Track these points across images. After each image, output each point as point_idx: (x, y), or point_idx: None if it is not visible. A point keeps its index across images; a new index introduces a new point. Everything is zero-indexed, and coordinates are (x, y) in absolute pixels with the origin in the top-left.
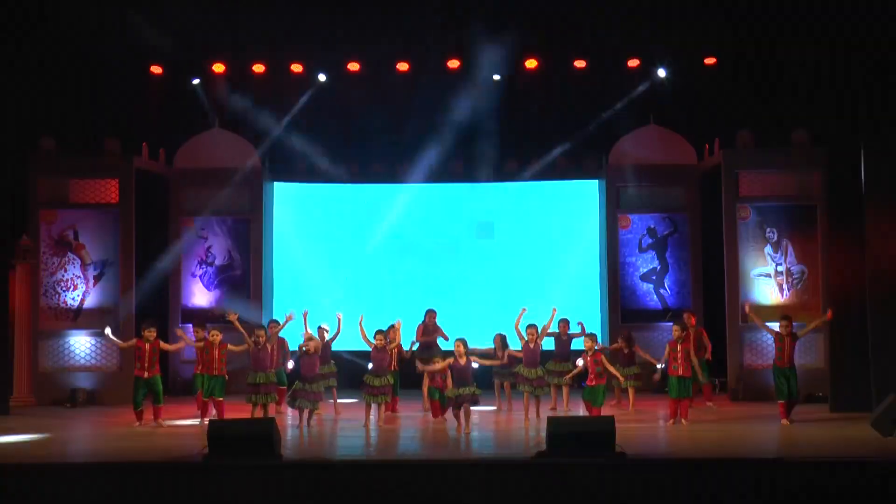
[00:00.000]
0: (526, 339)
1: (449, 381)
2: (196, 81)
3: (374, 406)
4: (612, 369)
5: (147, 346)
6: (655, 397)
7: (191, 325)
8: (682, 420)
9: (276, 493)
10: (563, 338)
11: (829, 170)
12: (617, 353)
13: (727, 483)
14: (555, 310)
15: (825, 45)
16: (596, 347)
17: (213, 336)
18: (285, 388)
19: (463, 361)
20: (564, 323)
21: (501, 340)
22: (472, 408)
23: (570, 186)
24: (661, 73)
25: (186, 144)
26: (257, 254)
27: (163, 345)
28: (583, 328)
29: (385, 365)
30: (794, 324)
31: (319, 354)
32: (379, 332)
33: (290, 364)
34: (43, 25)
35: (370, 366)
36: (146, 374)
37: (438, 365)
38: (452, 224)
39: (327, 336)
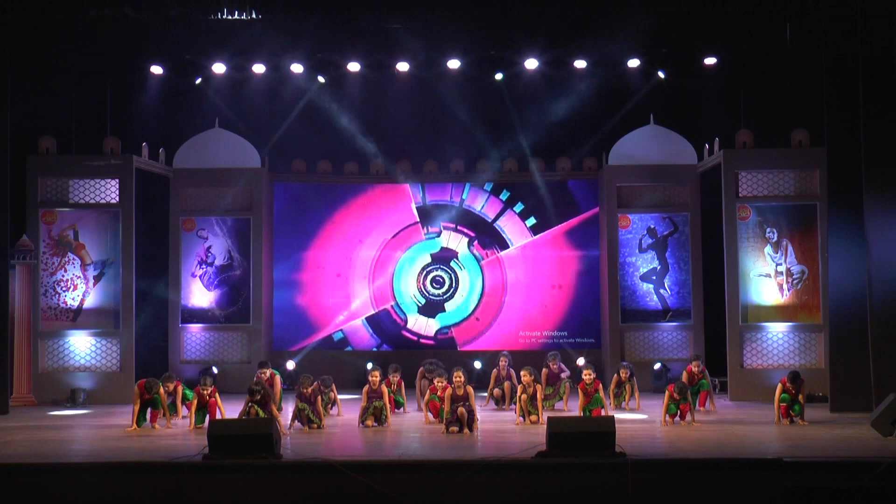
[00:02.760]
0: (522, 382)
1: (446, 404)
2: (197, 81)
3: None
4: (604, 400)
5: (148, 396)
6: (656, 397)
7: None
8: (681, 421)
9: (276, 493)
10: (553, 369)
11: (829, 170)
12: (616, 382)
13: (727, 483)
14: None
15: (825, 45)
16: (595, 377)
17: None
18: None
19: (461, 392)
20: (553, 358)
21: (507, 362)
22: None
23: (569, 186)
24: (662, 73)
25: (186, 144)
26: (257, 254)
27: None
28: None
29: (379, 393)
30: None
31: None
32: (374, 371)
33: (291, 364)
34: (43, 25)
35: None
36: (147, 396)
37: (439, 383)
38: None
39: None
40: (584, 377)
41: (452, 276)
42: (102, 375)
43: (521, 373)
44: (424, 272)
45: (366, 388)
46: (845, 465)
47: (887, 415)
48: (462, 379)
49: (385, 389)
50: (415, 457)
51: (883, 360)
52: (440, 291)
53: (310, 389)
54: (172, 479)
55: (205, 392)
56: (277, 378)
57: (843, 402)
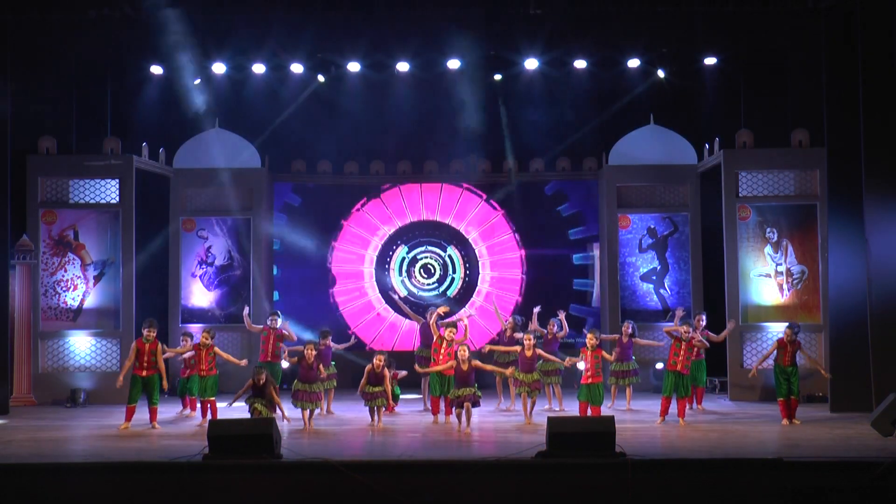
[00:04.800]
0: (523, 345)
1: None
2: (196, 81)
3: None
4: (609, 357)
5: (146, 346)
6: (654, 397)
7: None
8: (681, 420)
9: (276, 493)
10: (548, 337)
11: (829, 170)
12: (614, 343)
13: (727, 483)
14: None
15: (825, 45)
16: (598, 344)
17: (203, 338)
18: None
19: (465, 367)
20: (550, 324)
21: (513, 324)
22: (472, 408)
23: (570, 186)
24: (661, 73)
25: (186, 144)
26: (257, 254)
27: (166, 351)
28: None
29: (381, 380)
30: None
31: (319, 361)
32: (379, 355)
33: (286, 364)
34: (43, 25)
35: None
36: (144, 374)
37: (438, 368)
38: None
39: (329, 342)
40: (587, 342)
41: (446, 263)
42: (102, 375)
43: (525, 337)
44: (410, 258)
45: (368, 367)
46: (845, 465)
47: (887, 415)
48: (468, 354)
49: (387, 373)
50: (415, 457)
51: (883, 360)
52: (430, 282)
53: (311, 357)
54: (172, 479)
55: (206, 342)
56: (288, 324)
57: (843, 402)
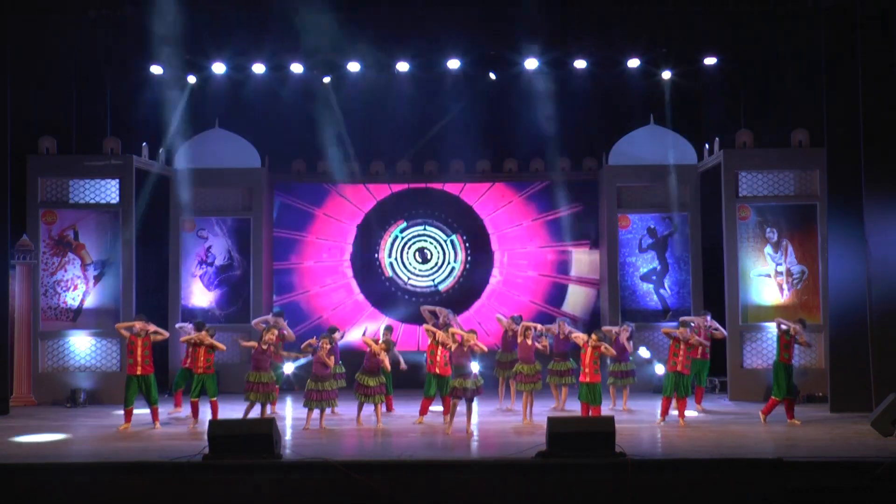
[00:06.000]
0: (523, 335)
1: (448, 363)
2: (192, 80)
3: (368, 406)
4: (610, 351)
5: (139, 340)
6: (654, 397)
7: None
8: (681, 420)
9: (276, 493)
10: (560, 337)
11: (829, 170)
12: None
13: (727, 483)
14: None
15: (825, 45)
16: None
17: (204, 336)
18: (278, 387)
19: (465, 349)
20: (561, 323)
21: (511, 319)
22: (473, 398)
23: (569, 186)
24: (663, 73)
25: (186, 144)
26: (257, 254)
27: (153, 335)
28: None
29: (378, 365)
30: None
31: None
32: (387, 329)
33: (293, 366)
34: (43, 25)
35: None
36: (139, 371)
37: (453, 329)
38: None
39: (337, 337)
40: (590, 341)
41: (443, 248)
42: (102, 375)
43: (527, 326)
44: (403, 242)
45: (368, 351)
46: (845, 465)
47: (887, 415)
48: (472, 340)
49: (384, 357)
50: (415, 457)
51: (883, 360)
52: (426, 268)
53: (326, 350)
54: (172, 479)
55: (206, 340)
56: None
57: (843, 402)
